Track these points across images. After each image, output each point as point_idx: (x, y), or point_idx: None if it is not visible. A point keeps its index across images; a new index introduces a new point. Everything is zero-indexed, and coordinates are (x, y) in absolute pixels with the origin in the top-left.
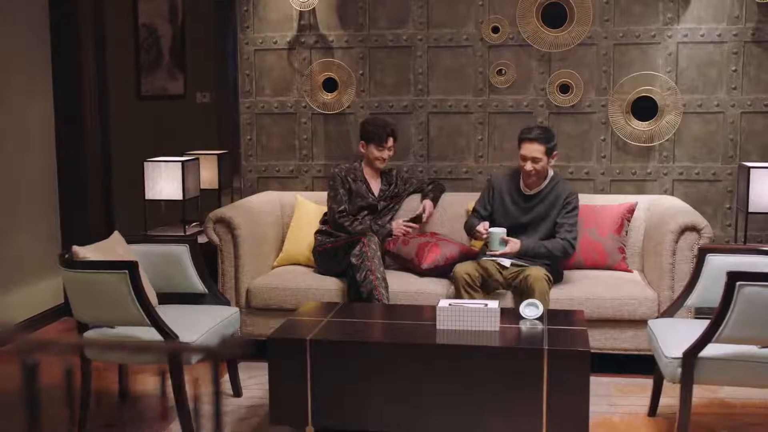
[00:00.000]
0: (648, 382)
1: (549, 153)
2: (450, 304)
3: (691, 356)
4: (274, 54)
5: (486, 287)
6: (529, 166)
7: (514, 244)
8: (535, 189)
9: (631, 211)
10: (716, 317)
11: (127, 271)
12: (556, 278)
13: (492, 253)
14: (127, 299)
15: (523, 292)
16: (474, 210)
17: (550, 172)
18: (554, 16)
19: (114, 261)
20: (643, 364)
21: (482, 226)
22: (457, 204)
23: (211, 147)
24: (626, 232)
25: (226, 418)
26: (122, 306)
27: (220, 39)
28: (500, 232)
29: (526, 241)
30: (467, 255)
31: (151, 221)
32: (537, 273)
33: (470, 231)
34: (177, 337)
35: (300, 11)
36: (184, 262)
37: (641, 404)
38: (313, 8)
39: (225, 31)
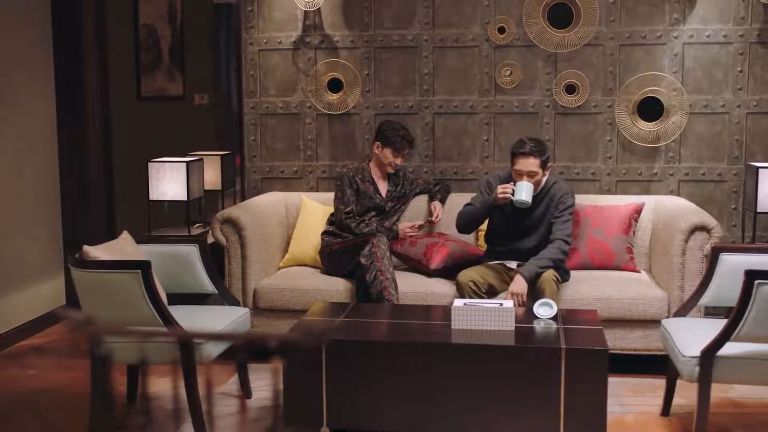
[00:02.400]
0: (657, 382)
1: (544, 166)
2: (465, 304)
3: (709, 355)
4: (279, 54)
5: (492, 292)
6: (525, 180)
7: (520, 285)
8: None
9: (638, 211)
10: (734, 316)
11: (140, 271)
12: (564, 277)
13: (519, 201)
14: (140, 299)
15: (534, 294)
16: (467, 206)
17: (545, 176)
18: (560, 17)
19: (127, 261)
20: (651, 364)
21: (500, 188)
22: (463, 204)
23: (209, 148)
24: (634, 232)
25: (237, 419)
26: (135, 306)
27: (219, 41)
28: (529, 184)
29: (527, 267)
30: (475, 255)
31: (153, 222)
32: (546, 274)
33: (472, 216)
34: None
35: (305, 11)
36: (193, 263)
37: (653, 404)
38: (318, 8)
39: (224, 33)
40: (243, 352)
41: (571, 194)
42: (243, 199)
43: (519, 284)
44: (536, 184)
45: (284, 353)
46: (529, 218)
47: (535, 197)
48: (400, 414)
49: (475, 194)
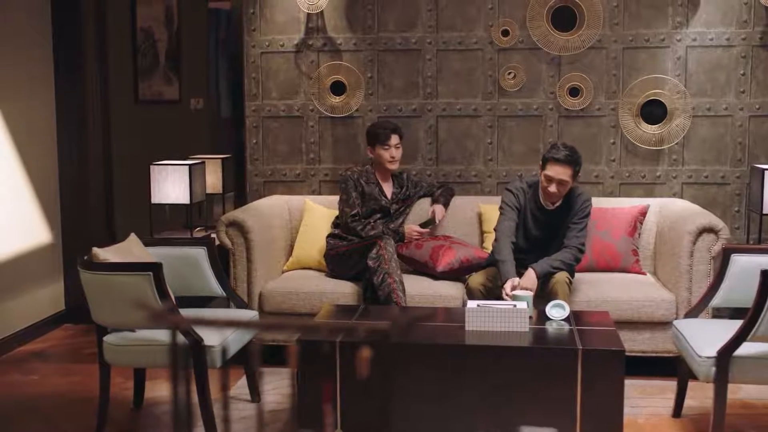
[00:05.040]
0: (666, 384)
1: (575, 176)
2: (478, 305)
3: (725, 355)
4: (281, 57)
5: (502, 296)
6: (554, 188)
7: (532, 281)
8: (556, 204)
9: (643, 213)
10: (751, 316)
11: (151, 273)
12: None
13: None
14: (151, 302)
15: (545, 295)
16: (502, 225)
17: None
18: (564, 20)
19: (138, 263)
20: (657, 366)
21: (510, 286)
22: (467, 207)
23: (204, 152)
24: (639, 234)
25: (246, 423)
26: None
27: (209, 46)
28: (528, 296)
29: (540, 264)
30: (480, 258)
31: (154, 225)
32: (559, 276)
33: (500, 263)
34: (202, 339)
35: (308, 14)
36: (201, 265)
37: (663, 406)
38: (321, 11)
39: (214, 38)
40: (329, 341)
41: (590, 202)
42: (241, 202)
43: (530, 279)
44: (562, 195)
45: (373, 343)
46: (548, 228)
47: (557, 207)
48: (415, 416)
49: (500, 206)
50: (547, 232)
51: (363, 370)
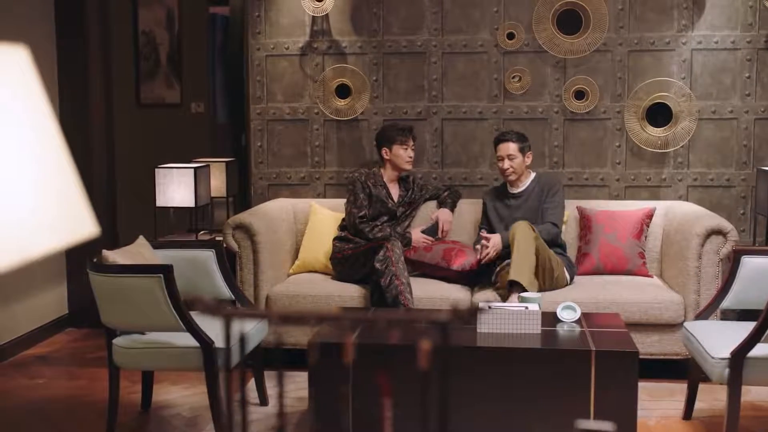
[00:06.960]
0: (674, 386)
1: (523, 151)
2: (490, 307)
3: (739, 357)
4: (286, 60)
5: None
6: (506, 164)
7: (495, 239)
8: (521, 186)
9: (649, 216)
10: (764, 317)
11: (161, 275)
12: (571, 272)
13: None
14: (162, 304)
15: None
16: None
17: (533, 174)
18: (569, 23)
19: (148, 265)
20: (664, 368)
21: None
22: (473, 211)
23: (204, 156)
24: (645, 237)
25: (253, 427)
26: (156, 311)
27: (208, 51)
28: (538, 297)
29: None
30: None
31: (158, 229)
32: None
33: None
34: (213, 342)
35: (312, 17)
36: (210, 268)
37: (673, 408)
38: (326, 14)
39: (212, 42)
40: (388, 333)
41: (559, 183)
42: (243, 206)
43: (494, 241)
44: (518, 168)
45: (433, 334)
46: (521, 210)
47: (526, 189)
48: None
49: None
50: (520, 214)
51: (423, 363)
